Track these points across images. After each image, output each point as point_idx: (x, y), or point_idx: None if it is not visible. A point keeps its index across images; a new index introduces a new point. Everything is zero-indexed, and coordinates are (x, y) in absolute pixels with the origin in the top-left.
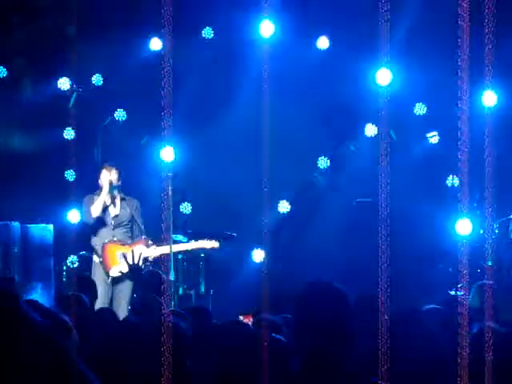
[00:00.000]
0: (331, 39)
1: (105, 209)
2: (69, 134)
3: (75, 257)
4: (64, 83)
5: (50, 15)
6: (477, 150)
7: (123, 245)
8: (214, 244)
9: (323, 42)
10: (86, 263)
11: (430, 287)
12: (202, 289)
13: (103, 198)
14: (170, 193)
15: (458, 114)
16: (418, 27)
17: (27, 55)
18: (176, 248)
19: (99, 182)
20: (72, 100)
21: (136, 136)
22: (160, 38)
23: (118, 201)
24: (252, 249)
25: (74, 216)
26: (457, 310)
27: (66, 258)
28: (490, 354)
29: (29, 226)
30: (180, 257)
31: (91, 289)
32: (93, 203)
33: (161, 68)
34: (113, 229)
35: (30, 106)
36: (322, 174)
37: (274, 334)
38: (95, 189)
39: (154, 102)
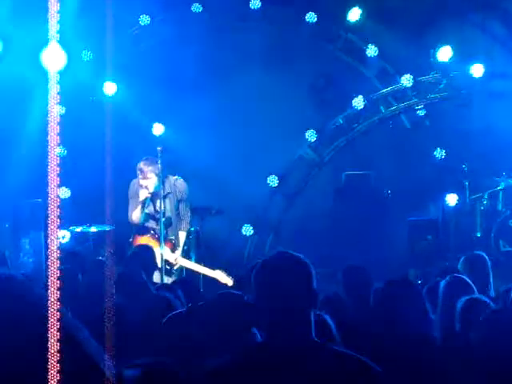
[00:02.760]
0: (318, 16)
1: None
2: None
3: (66, 231)
4: None
5: None
6: (464, 122)
7: (153, 239)
8: (229, 281)
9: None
10: (76, 238)
11: (420, 258)
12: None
13: (140, 208)
14: (159, 166)
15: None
16: None
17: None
18: (189, 266)
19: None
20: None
21: (126, 112)
22: (149, 14)
23: (159, 199)
24: (241, 223)
25: (63, 192)
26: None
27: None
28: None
29: (20, 201)
30: None
31: (80, 264)
32: (135, 194)
33: (150, 43)
34: (157, 224)
35: (19, 81)
36: (311, 147)
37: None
38: (84, 165)
39: (144, 77)
